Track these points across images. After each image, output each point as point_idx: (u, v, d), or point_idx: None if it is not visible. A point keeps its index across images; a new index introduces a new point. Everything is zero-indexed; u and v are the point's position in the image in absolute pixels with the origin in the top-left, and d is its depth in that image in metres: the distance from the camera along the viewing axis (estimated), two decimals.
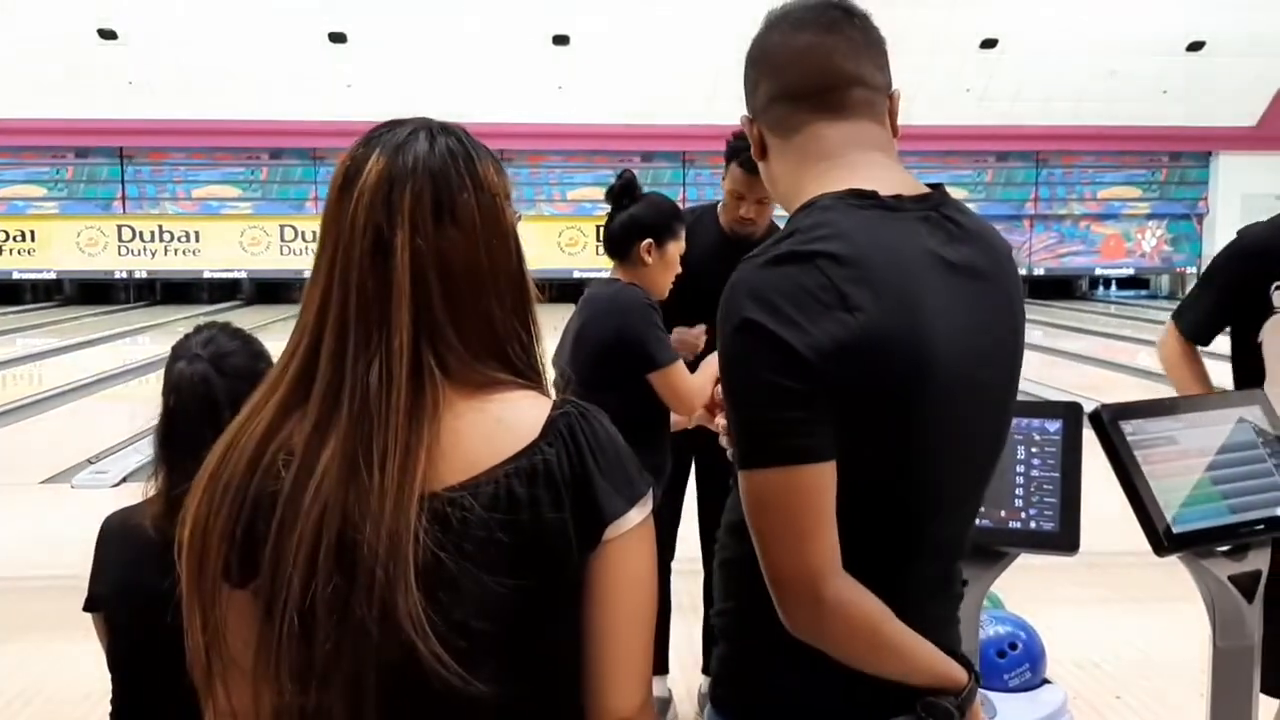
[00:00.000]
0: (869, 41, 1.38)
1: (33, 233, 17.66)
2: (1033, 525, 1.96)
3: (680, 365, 2.89)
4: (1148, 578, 3.76)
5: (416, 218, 1.09)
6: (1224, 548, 2.06)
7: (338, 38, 15.75)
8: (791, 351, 1.18)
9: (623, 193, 3.02)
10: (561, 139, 17.08)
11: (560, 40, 15.95)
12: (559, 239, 17.72)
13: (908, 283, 1.24)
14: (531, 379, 1.15)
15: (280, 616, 1.04)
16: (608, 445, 1.11)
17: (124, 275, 17.98)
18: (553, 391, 1.18)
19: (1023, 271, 18.34)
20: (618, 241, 3.00)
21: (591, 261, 17.69)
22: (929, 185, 1.37)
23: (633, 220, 2.98)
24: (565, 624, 1.09)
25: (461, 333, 1.10)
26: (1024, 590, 3.17)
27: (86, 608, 1.90)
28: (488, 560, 1.04)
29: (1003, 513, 1.97)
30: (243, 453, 1.08)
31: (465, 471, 1.06)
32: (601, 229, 3.08)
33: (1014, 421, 1.95)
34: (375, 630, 1.02)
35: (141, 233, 17.85)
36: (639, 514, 1.10)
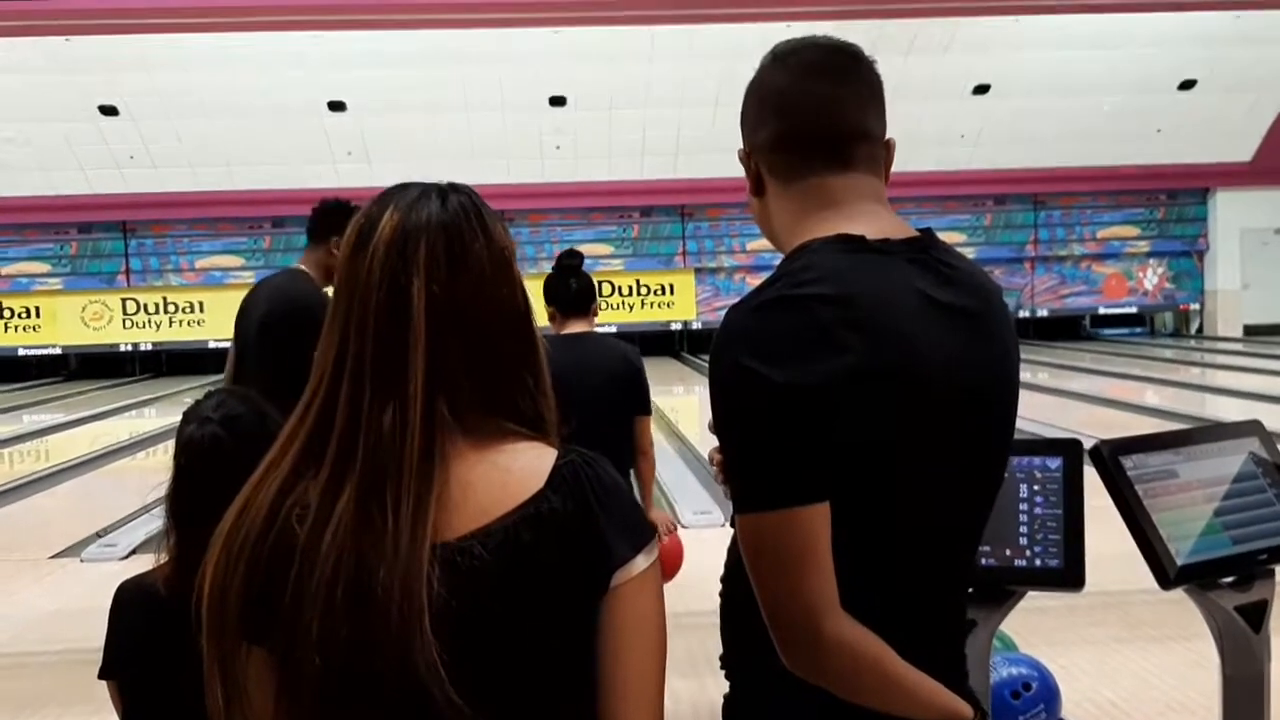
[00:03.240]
0: (874, 92, 1.41)
1: (38, 309, 17.79)
2: (1038, 563, 1.97)
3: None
4: (1163, 615, 3.74)
5: (432, 267, 1.12)
6: (1229, 579, 2.06)
7: (337, 106, 15.95)
8: (783, 394, 1.20)
9: (580, 263, 3.87)
10: (561, 197, 17.25)
11: (557, 101, 16.15)
12: None
13: (898, 323, 1.26)
14: (538, 429, 1.17)
15: (298, 669, 1.05)
16: (613, 492, 1.13)
17: (130, 348, 18.07)
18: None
19: (1025, 314, 18.51)
20: (588, 299, 3.80)
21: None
22: (918, 230, 1.39)
23: (591, 283, 3.87)
24: (577, 669, 1.10)
25: (473, 382, 1.13)
26: (1039, 631, 3.16)
27: (101, 675, 1.90)
28: (499, 607, 1.06)
29: (1007, 551, 1.98)
30: (259, 509, 1.10)
31: (475, 520, 1.08)
32: (572, 284, 3.78)
33: (1015, 460, 1.98)
34: (392, 679, 1.03)
35: (146, 305, 17.97)
36: (645, 559, 1.12)
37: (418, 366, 1.09)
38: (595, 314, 3.86)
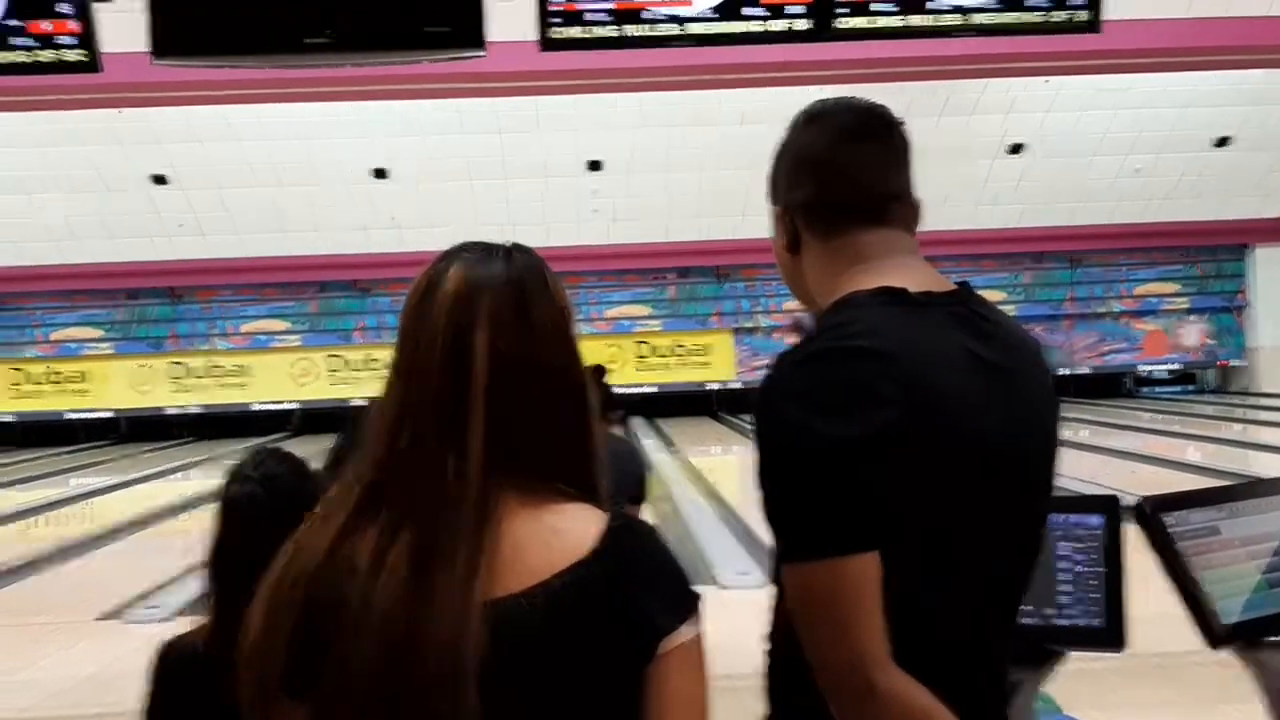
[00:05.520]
0: (904, 156, 1.45)
1: (86, 373, 18.11)
2: (1079, 622, 1.95)
3: None
4: (1210, 675, 3.66)
5: (496, 322, 1.12)
6: (1276, 637, 2.03)
7: (380, 173, 16.26)
8: (827, 446, 1.21)
9: (604, 376, 4.26)
10: (598, 260, 17.41)
11: (594, 166, 16.36)
12: (601, 357, 17.91)
13: (939, 376, 1.27)
14: (589, 492, 1.16)
15: None
16: (660, 560, 1.13)
17: (176, 411, 18.33)
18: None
19: (1066, 371, 18.31)
20: (610, 408, 4.08)
21: (632, 377, 17.84)
22: (956, 283, 1.42)
23: (613, 395, 4.11)
24: None
25: (530, 441, 1.13)
26: (1082, 693, 3.11)
27: None
28: (543, 669, 1.06)
29: (1048, 610, 1.97)
30: (308, 560, 1.10)
31: (523, 580, 1.07)
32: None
33: (1054, 517, 1.97)
34: None
35: (193, 369, 18.25)
36: (691, 629, 1.11)
37: (478, 421, 1.09)
38: (612, 422, 4.25)
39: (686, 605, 1.12)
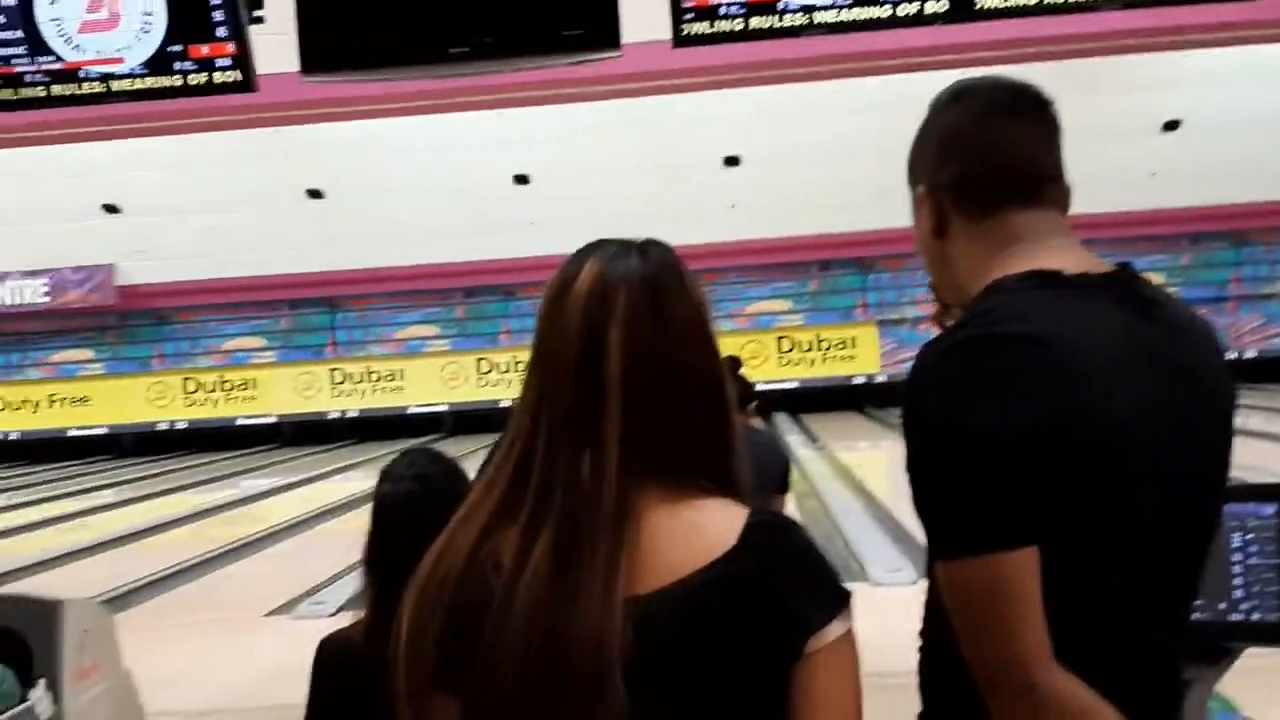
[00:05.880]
0: (1056, 133, 1.39)
1: (253, 381, 19.02)
2: (1254, 617, 1.85)
3: None
4: None
5: (631, 316, 1.11)
6: None
7: (521, 179, 16.58)
8: (979, 437, 1.17)
9: (740, 367, 4.03)
10: (738, 255, 17.37)
11: (731, 161, 16.32)
12: (741, 352, 17.84)
13: (1096, 362, 1.21)
14: (730, 488, 1.14)
15: (488, 718, 1.06)
16: (806, 555, 1.10)
17: (337, 415, 19.08)
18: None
19: (1232, 355, 17.37)
20: (747, 401, 3.91)
21: (774, 373, 17.73)
22: (1115, 264, 1.35)
23: (750, 386, 4.03)
24: None
25: (668, 436, 1.11)
26: (1258, 691, 2.95)
27: None
28: (687, 667, 1.04)
29: (1221, 605, 1.87)
30: (455, 557, 1.11)
31: (664, 577, 1.06)
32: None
33: (1225, 508, 1.87)
34: None
35: (351, 374, 18.98)
36: (841, 626, 1.08)
37: (614, 418, 1.09)
38: (750, 415, 4.13)
39: (835, 601, 1.09)
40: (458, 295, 18.69)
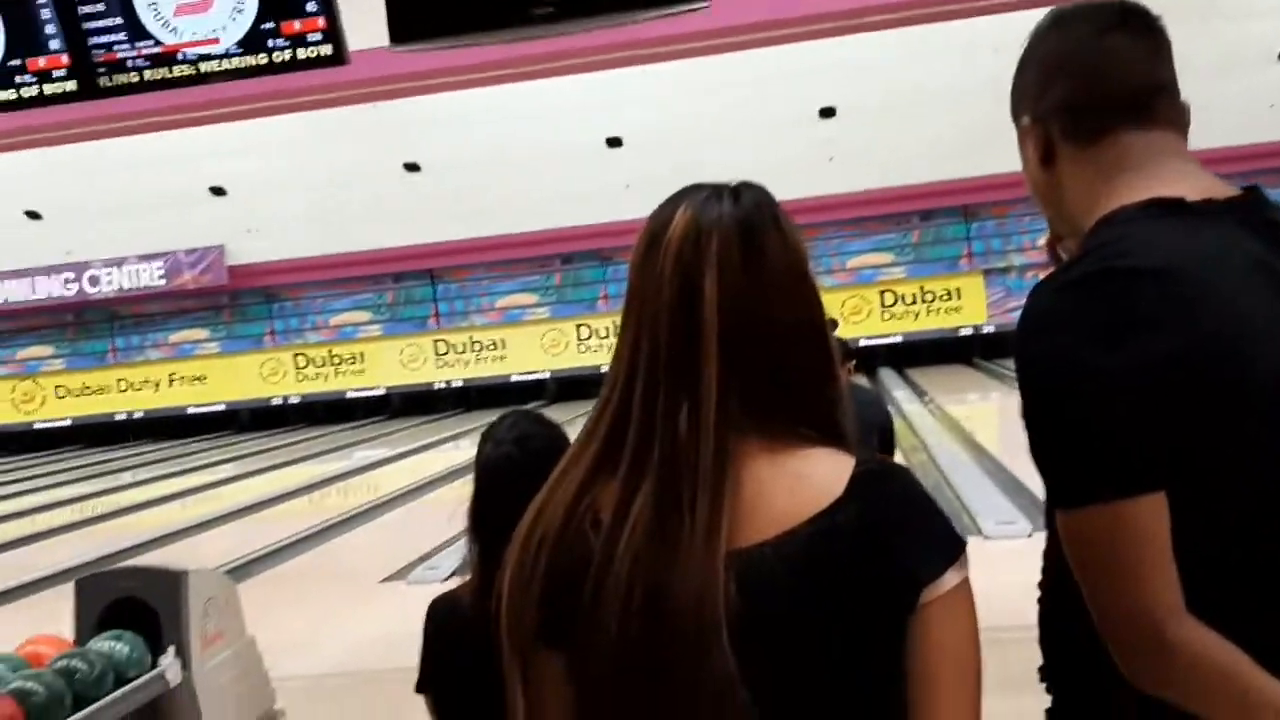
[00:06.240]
0: (1167, 48, 1.31)
1: (362, 355, 19.47)
2: None
3: None
4: None
5: (725, 262, 1.08)
6: None
7: (614, 142, 16.57)
8: (1101, 378, 1.10)
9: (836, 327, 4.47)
10: (836, 209, 17.10)
11: (827, 113, 16.05)
12: (842, 308, 17.62)
13: (1225, 295, 1.13)
14: (834, 436, 1.11)
15: (593, 672, 1.05)
16: (917, 503, 1.07)
17: (442, 386, 19.44)
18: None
19: None
20: (846, 358, 3.92)
21: (877, 328, 17.48)
22: (1243, 188, 1.25)
23: (846, 345, 3.95)
24: (882, 688, 1.04)
25: (768, 384, 1.08)
26: None
27: (417, 689, 2.03)
28: (795, 620, 1.02)
29: None
30: (555, 513, 1.09)
31: (769, 528, 1.04)
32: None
33: None
34: (687, 686, 1.01)
35: (454, 345, 19.29)
36: (956, 575, 1.04)
37: (711, 367, 1.06)
38: (851, 372, 4.10)
39: (949, 550, 1.05)
40: (555, 262, 18.82)
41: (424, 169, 17.14)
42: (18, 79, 4.29)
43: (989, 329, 17.69)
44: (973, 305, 17.92)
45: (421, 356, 19.38)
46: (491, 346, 19.25)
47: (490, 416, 2.18)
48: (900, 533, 1.04)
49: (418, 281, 19.27)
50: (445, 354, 19.36)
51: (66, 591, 4.19)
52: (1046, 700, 1.35)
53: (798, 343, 1.11)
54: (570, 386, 18.43)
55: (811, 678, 1.03)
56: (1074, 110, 1.30)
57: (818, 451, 1.08)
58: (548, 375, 19.05)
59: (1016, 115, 1.38)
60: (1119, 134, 1.28)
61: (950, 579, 1.04)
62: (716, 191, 1.14)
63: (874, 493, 1.05)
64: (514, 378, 19.12)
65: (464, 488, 2.05)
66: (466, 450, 13.02)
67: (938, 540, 1.06)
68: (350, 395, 19.61)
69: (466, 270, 19.05)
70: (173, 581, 3.95)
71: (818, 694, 1.03)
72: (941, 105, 15.48)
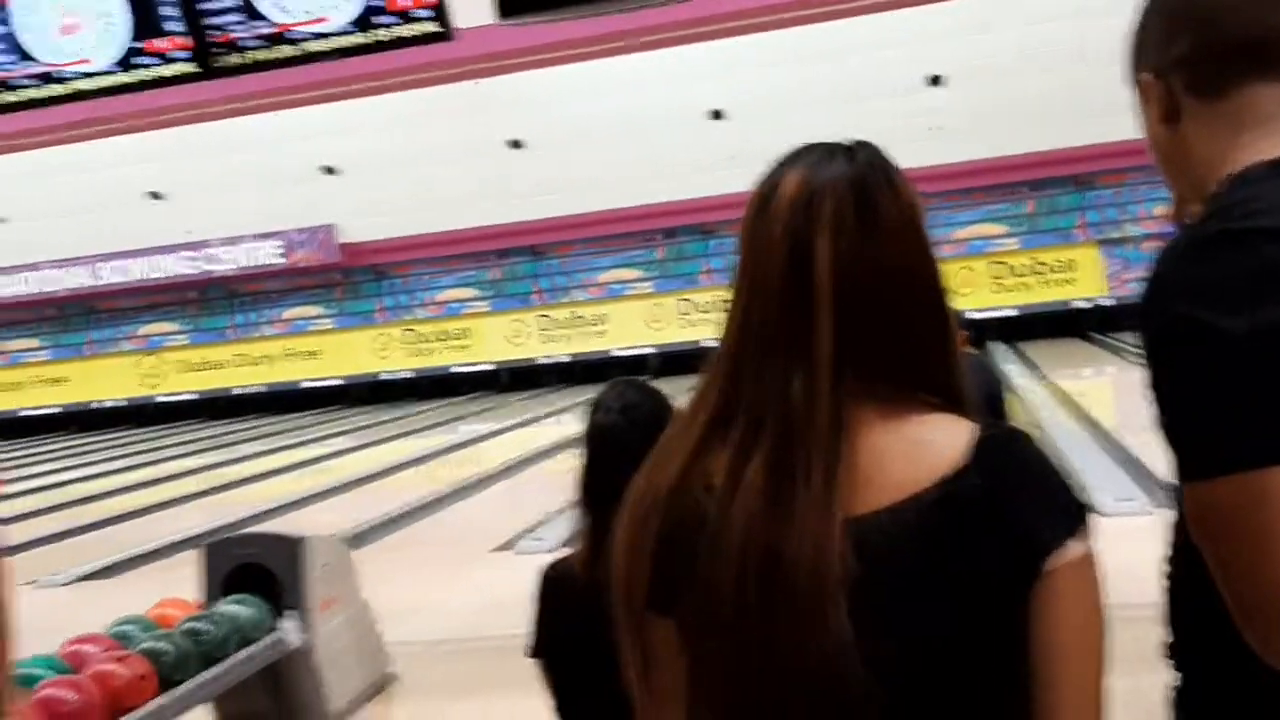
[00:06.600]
0: None
1: (468, 330, 19.80)
2: None
3: None
4: None
5: (838, 223, 1.06)
6: None
7: (716, 114, 16.47)
8: (1232, 343, 1.05)
9: None
10: (945, 179, 16.73)
11: (934, 81, 15.69)
12: (951, 281, 17.24)
13: None
14: (953, 402, 1.08)
15: (707, 640, 1.04)
16: (1041, 470, 1.04)
17: (546, 361, 19.66)
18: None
19: None
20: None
21: (988, 300, 17.08)
22: None
23: (959, 315, 4.34)
24: (1003, 663, 1.02)
25: (884, 349, 1.06)
26: None
27: (529, 654, 2.06)
28: (914, 591, 1.00)
29: None
30: (664, 482, 1.08)
31: (887, 496, 1.02)
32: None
33: None
34: (802, 653, 1.00)
35: (558, 320, 19.48)
36: (1080, 545, 1.01)
37: (825, 330, 1.03)
38: (965, 342, 4.22)
39: (1074, 518, 1.02)
40: (657, 236, 18.83)
41: (527, 145, 17.29)
42: (140, 61, 4.44)
43: (1105, 302, 17.16)
44: (1088, 277, 17.39)
45: (525, 332, 19.62)
46: (594, 322, 19.38)
47: (593, 391, 2.19)
48: (1023, 500, 1.00)
49: (521, 258, 19.49)
50: (549, 329, 19.56)
51: (191, 558, 4.36)
52: (1165, 679, 1.30)
53: (914, 306, 1.08)
54: (672, 361, 18.43)
55: (929, 646, 1.01)
56: (1198, 63, 1.23)
57: (936, 417, 1.06)
58: (650, 350, 19.11)
59: (1135, 70, 1.32)
60: (1247, 87, 1.20)
61: (1075, 548, 1.01)
62: (829, 151, 1.12)
63: (996, 459, 1.02)
64: (616, 352, 19.23)
65: (568, 461, 2.07)
66: (569, 425, 13.17)
67: (1062, 508, 1.02)
68: (456, 370, 19.96)
69: (569, 246, 19.18)
70: (292, 547, 4.08)
71: (935, 662, 1.01)
72: (1052, 69, 15.02)
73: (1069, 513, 1.03)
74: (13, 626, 1.86)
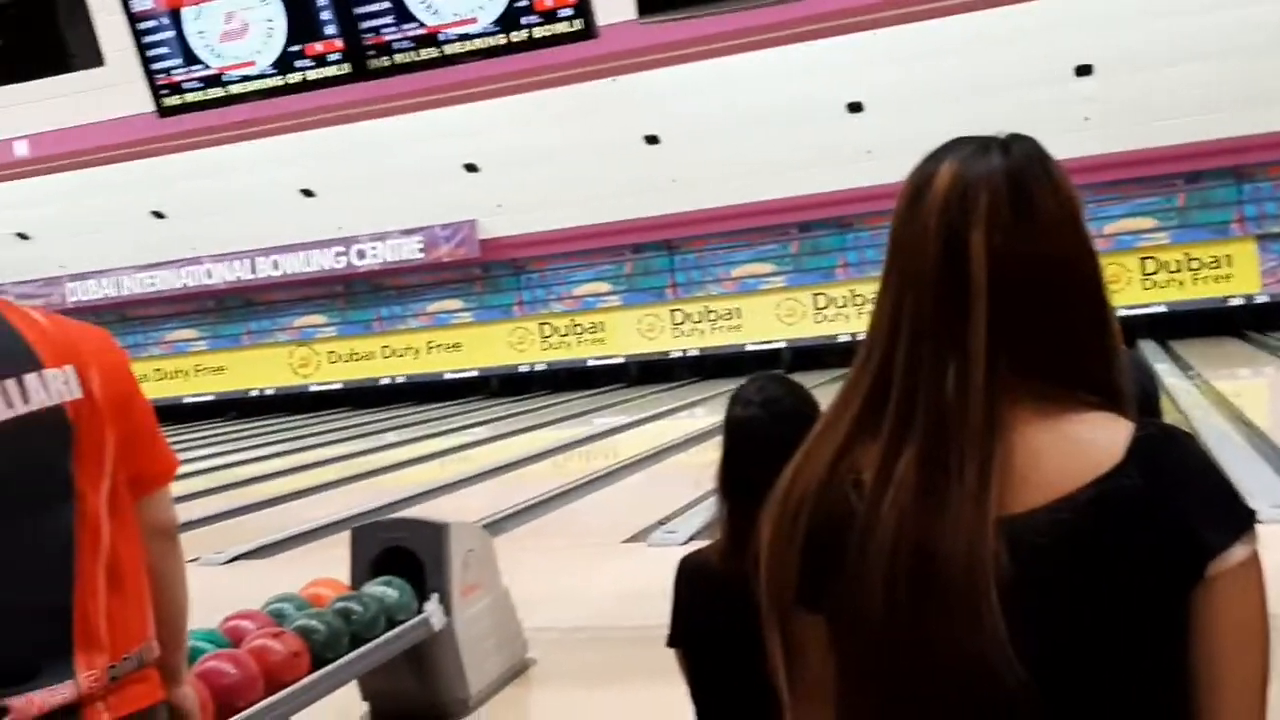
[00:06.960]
0: None
1: (602, 324, 20.01)
2: None
3: None
4: None
5: (994, 215, 1.04)
6: None
7: (855, 107, 16.24)
8: None
9: None
10: (1093, 171, 16.10)
11: (1083, 70, 15.15)
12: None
13: None
14: (1111, 399, 1.06)
15: (856, 636, 1.04)
16: (1203, 471, 1.01)
17: (679, 354, 19.72)
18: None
19: None
20: None
21: (1138, 297, 16.43)
22: None
23: None
24: (1161, 669, 1.00)
25: (1040, 344, 1.04)
26: None
27: (669, 643, 2.09)
28: (1072, 590, 0.98)
29: None
30: (812, 476, 1.08)
31: (1041, 495, 1.00)
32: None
33: None
34: (955, 652, 0.98)
35: (691, 314, 19.52)
36: (1244, 549, 0.98)
37: (979, 325, 1.02)
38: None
39: (1239, 521, 0.99)
40: (792, 230, 18.66)
41: (663, 140, 17.35)
42: (297, 64, 4.64)
43: (1262, 298, 16.31)
44: (1244, 273, 16.54)
45: (659, 326, 19.71)
46: (727, 316, 19.34)
47: (725, 386, 2.20)
48: (1186, 501, 0.98)
49: (655, 252, 19.58)
50: (682, 323, 19.60)
51: (340, 540, 4.54)
52: None
53: (1072, 301, 1.06)
54: (806, 356, 18.28)
55: (1086, 648, 0.99)
56: None
57: (1095, 415, 1.04)
58: (783, 344, 18.97)
59: None
60: None
61: (1239, 552, 0.98)
62: (984, 144, 1.10)
63: (1157, 458, 1.00)
64: (749, 347, 19.15)
65: (700, 455, 2.09)
66: (701, 419, 13.20)
67: (1226, 510, 1.00)
68: (591, 363, 20.18)
69: (703, 240, 19.18)
70: (437, 533, 4.21)
71: (1089, 663, 0.99)
72: (1206, 58, 14.31)
73: (1234, 514, 1.00)
74: (186, 602, 2.00)
